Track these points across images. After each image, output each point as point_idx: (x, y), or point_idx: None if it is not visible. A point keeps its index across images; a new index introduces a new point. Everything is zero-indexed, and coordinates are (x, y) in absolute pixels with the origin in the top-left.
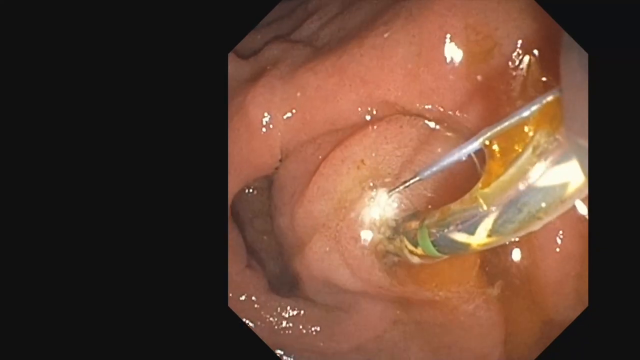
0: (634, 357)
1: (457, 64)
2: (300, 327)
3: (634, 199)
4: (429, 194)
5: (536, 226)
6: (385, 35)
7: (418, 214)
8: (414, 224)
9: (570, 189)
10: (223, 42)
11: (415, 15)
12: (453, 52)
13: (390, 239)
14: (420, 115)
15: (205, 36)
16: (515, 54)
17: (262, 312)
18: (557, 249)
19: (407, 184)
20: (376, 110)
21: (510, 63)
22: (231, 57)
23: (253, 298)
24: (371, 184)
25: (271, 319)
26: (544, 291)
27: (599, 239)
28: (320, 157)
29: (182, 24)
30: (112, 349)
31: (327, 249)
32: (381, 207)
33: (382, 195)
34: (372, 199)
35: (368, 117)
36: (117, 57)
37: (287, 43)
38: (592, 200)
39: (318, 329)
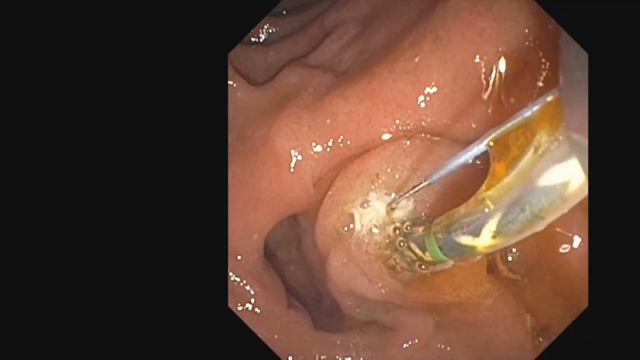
0: (634, 357)
1: (491, 88)
2: (354, 355)
3: (634, 197)
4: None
5: (539, 226)
6: (416, 59)
7: (425, 220)
8: (422, 230)
9: (571, 188)
10: (222, 41)
11: (443, 39)
12: (487, 77)
13: (397, 251)
14: (454, 138)
15: (204, 35)
16: (543, 74)
17: (313, 351)
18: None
19: (416, 188)
20: (412, 135)
21: (537, 81)
22: (242, 83)
23: (303, 338)
24: (383, 195)
25: (323, 356)
26: (570, 281)
27: (599, 238)
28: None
29: (181, 24)
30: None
31: (345, 260)
32: (385, 217)
33: (387, 204)
34: (378, 208)
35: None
36: (115, 59)
37: (305, 69)
38: (592, 199)
39: (371, 354)
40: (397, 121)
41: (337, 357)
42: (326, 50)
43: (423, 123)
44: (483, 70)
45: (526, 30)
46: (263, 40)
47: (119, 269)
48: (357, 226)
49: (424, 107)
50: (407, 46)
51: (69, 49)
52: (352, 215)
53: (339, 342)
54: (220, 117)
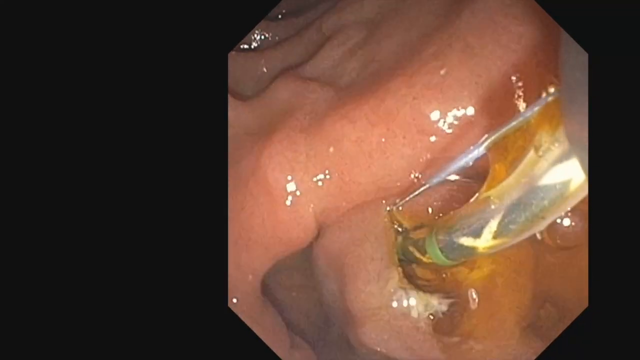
0: (634, 357)
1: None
2: None
3: (634, 197)
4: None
5: (540, 226)
6: (442, 72)
7: (426, 224)
8: (422, 233)
9: (572, 187)
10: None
11: (475, 49)
12: (524, 93)
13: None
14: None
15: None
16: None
17: None
18: None
19: (416, 192)
20: (436, 170)
21: None
22: (229, 97)
23: None
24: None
25: None
26: None
27: (599, 238)
28: (367, 225)
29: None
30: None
31: (386, 337)
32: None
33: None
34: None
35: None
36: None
37: (300, 82)
38: (592, 199)
39: None
40: (421, 152)
41: None
42: (325, 58)
43: (454, 156)
44: (523, 89)
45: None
46: (254, 47)
47: (119, 274)
48: (400, 302)
49: (451, 134)
50: (430, 56)
51: (57, 58)
52: (392, 291)
53: None
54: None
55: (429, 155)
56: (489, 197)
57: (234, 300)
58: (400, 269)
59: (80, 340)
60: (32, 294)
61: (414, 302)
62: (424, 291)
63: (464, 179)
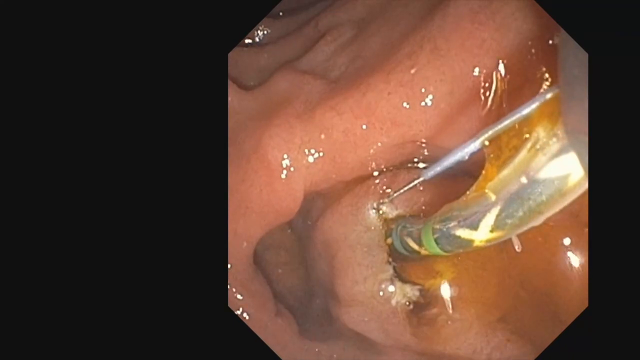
0: (634, 357)
1: (490, 103)
2: None
3: (634, 195)
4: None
5: (537, 221)
6: (412, 71)
7: (421, 216)
8: (417, 224)
9: (571, 182)
10: (222, 41)
11: (442, 50)
12: (486, 91)
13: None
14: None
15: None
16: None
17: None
18: None
19: (410, 184)
20: (409, 151)
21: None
22: (232, 87)
23: (288, 346)
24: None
25: None
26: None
27: (599, 237)
28: (360, 232)
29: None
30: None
31: (367, 319)
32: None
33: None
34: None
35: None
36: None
37: (296, 74)
38: (592, 196)
39: None
40: (395, 139)
41: None
42: (319, 53)
43: (420, 141)
44: (482, 84)
45: (529, 43)
46: (257, 42)
47: (118, 271)
48: (387, 291)
49: (418, 123)
50: (404, 56)
51: (64, 50)
52: (379, 282)
53: (322, 352)
54: (220, 124)
55: (403, 140)
56: (484, 190)
57: (228, 266)
58: (392, 266)
59: (71, 331)
60: (32, 294)
61: (396, 292)
62: (403, 282)
63: (460, 174)
